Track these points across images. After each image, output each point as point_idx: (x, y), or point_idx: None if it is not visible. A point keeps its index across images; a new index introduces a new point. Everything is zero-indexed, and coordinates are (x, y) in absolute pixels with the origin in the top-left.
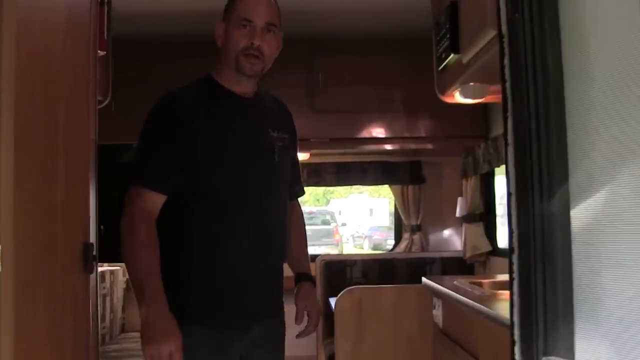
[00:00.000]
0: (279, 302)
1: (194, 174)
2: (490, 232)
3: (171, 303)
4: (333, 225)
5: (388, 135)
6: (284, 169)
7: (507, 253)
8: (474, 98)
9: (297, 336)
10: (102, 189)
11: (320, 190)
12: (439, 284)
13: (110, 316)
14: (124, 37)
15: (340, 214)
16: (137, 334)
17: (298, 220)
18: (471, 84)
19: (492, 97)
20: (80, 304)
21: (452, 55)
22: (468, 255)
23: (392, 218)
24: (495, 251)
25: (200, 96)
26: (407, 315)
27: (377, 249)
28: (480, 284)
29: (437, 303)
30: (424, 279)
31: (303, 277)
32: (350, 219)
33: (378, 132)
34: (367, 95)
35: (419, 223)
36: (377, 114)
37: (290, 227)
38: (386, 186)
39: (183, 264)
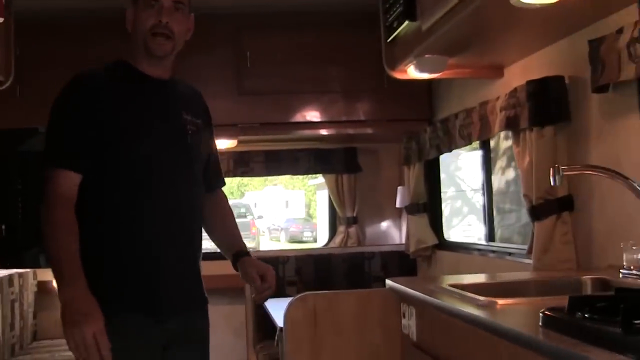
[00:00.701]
0: (199, 294)
1: (104, 154)
2: (436, 223)
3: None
4: (249, 218)
5: (324, 119)
6: (197, 153)
7: (455, 247)
8: (430, 72)
9: (254, 299)
10: (1, 182)
11: (234, 182)
12: (411, 289)
13: (20, 323)
14: (30, 13)
15: (255, 206)
16: (51, 342)
17: (224, 207)
18: (427, 56)
19: (450, 72)
20: None
21: (406, 23)
22: (412, 249)
23: (308, 210)
24: (442, 244)
25: (112, 77)
26: (370, 326)
27: (293, 241)
28: (461, 287)
29: (408, 311)
30: (389, 282)
31: (241, 254)
32: (266, 211)
33: (313, 115)
34: (300, 75)
35: (355, 215)
36: (312, 95)
37: (216, 215)
38: (301, 178)
39: (96, 246)
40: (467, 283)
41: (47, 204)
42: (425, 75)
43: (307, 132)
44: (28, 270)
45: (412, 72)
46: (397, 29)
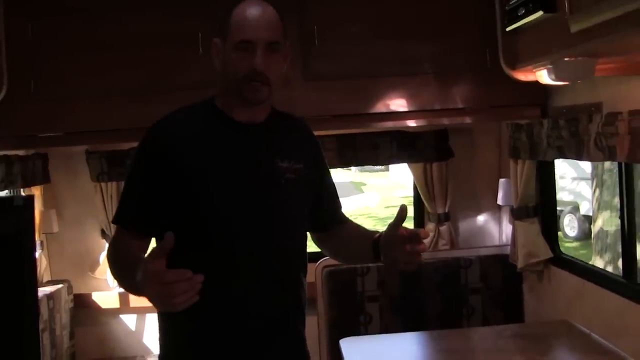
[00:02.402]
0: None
1: (182, 214)
2: (549, 232)
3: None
4: None
5: (412, 108)
6: (295, 202)
7: (576, 268)
8: (571, 79)
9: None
10: None
11: None
12: None
13: (52, 353)
14: None
15: None
16: None
17: (349, 228)
18: (568, 59)
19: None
20: None
21: (539, 13)
22: (520, 264)
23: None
24: (558, 260)
25: (194, 124)
26: None
27: None
28: None
29: None
30: None
31: (377, 237)
32: None
33: (398, 104)
34: (382, 53)
35: (446, 211)
36: (397, 79)
37: (344, 241)
38: None
39: (176, 328)
40: None
41: (109, 259)
42: (562, 82)
43: (391, 124)
44: (60, 286)
45: (544, 78)
46: (522, 18)
